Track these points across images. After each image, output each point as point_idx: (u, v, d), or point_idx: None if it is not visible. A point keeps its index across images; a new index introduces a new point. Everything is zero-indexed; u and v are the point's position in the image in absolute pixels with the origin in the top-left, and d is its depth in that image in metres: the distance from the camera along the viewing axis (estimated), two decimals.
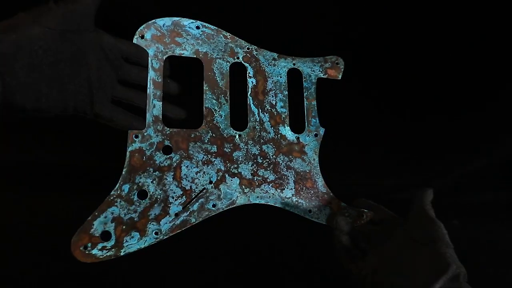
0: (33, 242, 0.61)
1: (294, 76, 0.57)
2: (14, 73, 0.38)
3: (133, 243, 0.46)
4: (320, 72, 0.58)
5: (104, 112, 0.44)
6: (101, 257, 0.44)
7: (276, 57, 0.56)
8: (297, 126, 0.56)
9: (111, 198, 0.46)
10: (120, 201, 0.46)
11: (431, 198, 0.51)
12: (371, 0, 0.63)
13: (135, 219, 0.46)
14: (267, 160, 0.53)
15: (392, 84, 0.70)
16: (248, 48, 0.55)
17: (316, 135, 0.57)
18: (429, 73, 0.70)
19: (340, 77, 0.58)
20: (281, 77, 0.56)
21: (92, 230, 0.44)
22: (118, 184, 0.46)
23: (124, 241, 0.45)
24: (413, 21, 0.66)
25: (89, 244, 0.44)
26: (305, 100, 0.57)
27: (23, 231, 0.62)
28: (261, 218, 0.59)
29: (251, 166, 0.53)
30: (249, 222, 0.62)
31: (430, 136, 0.75)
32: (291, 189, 0.54)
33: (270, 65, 0.56)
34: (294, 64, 0.57)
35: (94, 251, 0.44)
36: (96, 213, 0.45)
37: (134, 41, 0.49)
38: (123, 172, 0.46)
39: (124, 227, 0.45)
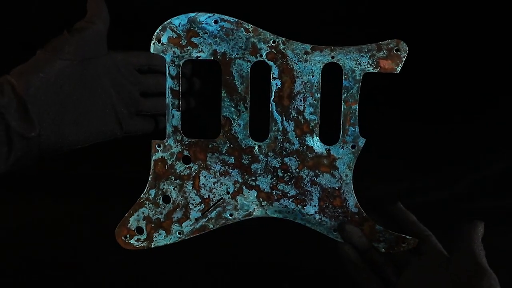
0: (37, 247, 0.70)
1: (332, 73, 0.47)
2: (48, 113, 0.39)
3: (161, 239, 0.52)
4: (369, 65, 0.45)
5: (131, 129, 0.47)
6: (137, 246, 0.53)
7: (309, 49, 0.47)
8: (330, 136, 0.48)
9: (142, 200, 0.52)
10: (149, 204, 0.52)
11: (482, 234, 0.39)
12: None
13: (161, 220, 0.52)
14: (289, 174, 0.49)
15: (406, 86, 0.63)
16: (274, 42, 0.47)
17: (353, 147, 0.48)
18: (445, 76, 0.66)
19: (398, 69, 0.45)
20: (313, 75, 0.47)
21: (129, 225, 0.53)
22: (146, 188, 0.52)
23: (154, 237, 0.53)
24: (426, 24, 0.62)
25: (128, 235, 0.53)
26: (343, 103, 0.47)
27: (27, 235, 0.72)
28: (274, 229, 0.57)
29: (270, 179, 0.50)
30: (260, 233, 0.61)
31: (445, 140, 0.71)
32: (314, 206, 0.49)
33: (301, 61, 0.47)
34: (332, 57, 0.46)
35: (132, 241, 0.53)
36: (131, 211, 0.53)
37: (152, 47, 0.48)
38: (150, 179, 0.51)
39: (153, 225, 0.52)
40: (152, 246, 0.52)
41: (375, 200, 0.51)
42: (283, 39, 0.47)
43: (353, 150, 0.47)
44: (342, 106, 0.47)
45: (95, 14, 0.41)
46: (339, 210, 0.48)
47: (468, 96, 0.68)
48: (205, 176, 0.50)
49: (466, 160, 0.74)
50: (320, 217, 0.49)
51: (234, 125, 0.49)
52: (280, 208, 0.49)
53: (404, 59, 0.45)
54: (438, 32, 0.63)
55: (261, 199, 0.50)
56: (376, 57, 0.45)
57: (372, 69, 0.45)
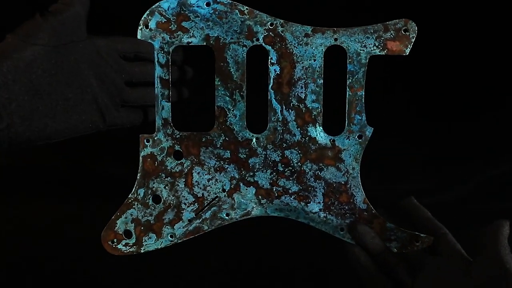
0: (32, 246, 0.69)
1: (335, 56, 0.43)
2: (18, 104, 0.36)
3: (151, 243, 0.48)
4: (375, 48, 0.42)
5: (117, 121, 0.44)
6: (125, 251, 0.48)
7: (309, 32, 0.43)
8: (334, 125, 0.44)
9: (130, 200, 0.47)
10: (137, 204, 0.47)
11: (507, 234, 0.35)
12: None
13: (151, 222, 0.48)
14: (290, 168, 0.45)
15: (414, 84, 0.62)
16: (271, 25, 0.43)
17: (360, 137, 0.44)
18: (454, 74, 0.64)
19: (407, 51, 0.41)
20: (315, 59, 0.43)
21: (116, 228, 0.48)
22: (134, 187, 0.47)
23: (143, 241, 0.48)
24: (434, 22, 0.58)
25: (115, 240, 0.48)
26: (348, 90, 0.43)
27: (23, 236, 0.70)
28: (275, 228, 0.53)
29: (270, 174, 0.45)
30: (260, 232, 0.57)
31: (452, 140, 0.69)
32: (319, 203, 0.45)
33: (301, 44, 0.43)
34: (335, 40, 0.42)
35: (120, 246, 0.48)
36: (118, 213, 0.48)
37: (139, 32, 0.45)
38: (138, 177, 0.47)
39: (142, 228, 0.48)
40: (142, 251, 0.47)
41: (379, 200, 0.47)
42: (282, 21, 0.43)
43: (360, 140, 0.43)
44: (347, 92, 0.43)
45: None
46: (346, 207, 0.44)
47: (476, 95, 0.66)
48: (198, 173, 0.46)
49: (473, 160, 0.71)
50: (325, 215, 0.45)
51: (229, 115, 0.45)
52: (281, 206, 0.45)
53: (413, 40, 0.41)
54: (452, 24, 0.60)
55: (260, 197, 0.45)
56: (383, 38, 0.41)
57: (379, 52, 0.42)
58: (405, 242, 0.43)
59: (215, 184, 0.46)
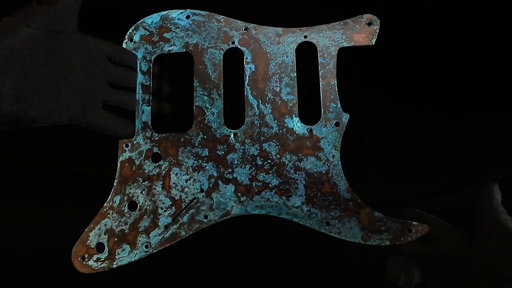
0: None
1: (307, 52, 0.45)
2: (8, 83, 0.36)
3: (124, 256, 0.44)
4: (342, 41, 0.44)
5: (96, 120, 0.44)
6: (96, 268, 0.44)
7: (281, 32, 0.46)
8: (311, 115, 0.44)
9: (104, 209, 0.45)
10: (112, 213, 0.45)
11: (500, 196, 0.33)
12: None
13: (126, 231, 0.44)
14: (269, 161, 0.44)
15: (419, 80, 0.60)
16: (245, 29, 0.47)
17: (337, 124, 0.43)
18: (460, 72, 0.61)
19: (373, 41, 0.43)
20: (287, 56, 0.45)
21: (88, 241, 0.45)
22: (110, 195, 0.45)
23: (116, 254, 0.44)
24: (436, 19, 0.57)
25: (86, 255, 0.44)
26: (321, 80, 0.44)
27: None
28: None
29: (249, 169, 0.44)
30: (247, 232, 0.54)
31: (462, 139, 0.65)
32: (301, 195, 0.43)
33: (273, 43, 0.46)
34: (305, 37, 0.45)
35: (90, 262, 0.44)
36: (92, 225, 0.45)
37: (124, 45, 0.48)
38: (115, 183, 0.45)
39: (116, 239, 0.44)
40: (114, 266, 0.44)
41: (383, 202, 0.45)
42: (255, 25, 0.46)
43: (337, 127, 0.43)
44: (320, 83, 0.44)
45: None
46: (330, 198, 0.42)
47: (487, 94, 0.65)
48: (176, 174, 0.45)
49: (484, 160, 0.68)
50: (308, 208, 0.42)
51: (207, 114, 0.46)
52: (261, 202, 0.43)
53: (377, 31, 0.44)
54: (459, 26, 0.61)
55: (239, 194, 0.44)
56: (349, 32, 0.44)
57: (347, 44, 0.44)
58: (397, 232, 0.40)
59: (193, 185, 0.44)
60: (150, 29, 0.48)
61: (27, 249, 0.64)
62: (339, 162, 0.42)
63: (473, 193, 0.36)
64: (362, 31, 0.44)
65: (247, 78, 0.45)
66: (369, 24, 0.44)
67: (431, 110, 0.65)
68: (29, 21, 0.38)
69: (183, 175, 0.45)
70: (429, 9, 0.55)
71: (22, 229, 0.64)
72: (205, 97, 0.46)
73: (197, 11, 0.48)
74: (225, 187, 0.44)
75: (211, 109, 0.45)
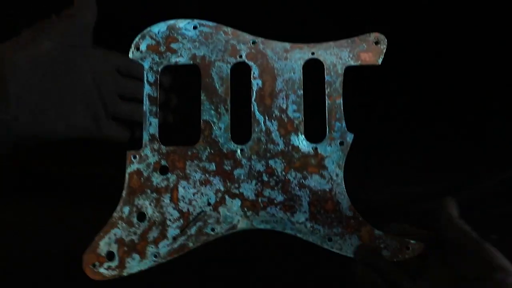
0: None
1: (314, 69, 0.45)
2: (28, 95, 0.36)
3: (134, 265, 0.46)
4: (350, 59, 0.44)
5: (108, 132, 0.44)
6: (107, 275, 0.46)
7: (288, 47, 0.46)
8: (316, 133, 0.45)
9: (114, 219, 0.47)
10: (122, 223, 0.46)
11: (456, 208, 0.38)
12: None
13: (135, 241, 0.46)
14: (275, 177, 0.45)
15: (416, 84, 0.60)
16: (253, 43, 0.46)
17: (341, 143, 0.44)
18: (454, 74, 0.62)
19: (380, 61, 0.43)
20: (294, 72, 0.46)
21: (99, 250, 0.46)
22: (119, 205, 0.47)
23: (126, 262, 0.46)
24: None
25: (97, 263, 0.46)
26: (327, 99, 0.45)
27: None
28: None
29: (255, 185, 0.45)
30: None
31: (458, 141, 0.66)
32: (305, 212, 0.44)
33: (281, 59, 0.46)
34: (313, 54, 0.45)
35: (101, 270, 0.46)
36: (101, 234, 0.47)
37: (130, 54, 0.47)
38: (123, 194, 0.47)
39: (126, 248, 0.46)
40: (125, 274, 0.45)
41: (380, 203, 0.46)
42: (262, 39, 0.46)
43: (341, 147, 0.44)
44: (326, 101, 0.45)
45: (84, 4, 0.41)
46: (332, 215, 0.44)
47: (483, 96, 0.66)
48: (184, 187, 0.46)
49: (481, 163, 0.69)
50: (311, 224, 0.44)
51: (214, 128, 0.46)
52: (267, 217, 0.45)
53: (384, 51, 0.44)
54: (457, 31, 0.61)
55: (245, 209, 0.45)
56: (356, 50, 0.44)
57: (353, 62, 0.45)
58: (396, 250, 0.42)
59: (200, 198, 0.46)
60: (157, 39, 0.47)
61: (27, 249, 0.65)
62: (343, 181, 0.44)
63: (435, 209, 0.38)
64: (369, 50, 0.44)
65: (254, 93, 0.46)
66: (376, 43, 0.44)
67: (431, 114, 0.66)
68: (49, 34, 0.38)
69: (191, 188, 0.46)
70: (433, 23, 0.55)
71: (22, 229, 0.65)
72: (212, 111, 0.46)
73: (204, 22, 0.47)
74: (232, 202, 0.45)
75: (218, 123, 0.46)
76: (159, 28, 0.47)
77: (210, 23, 0.47)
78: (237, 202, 0.45)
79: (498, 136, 0.68)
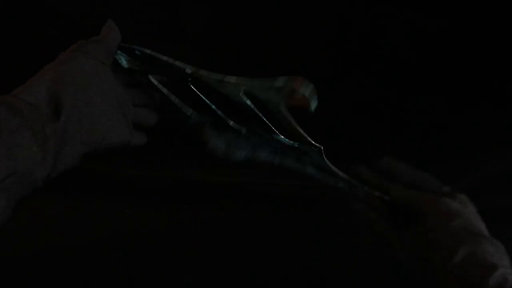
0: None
1: None
2: (75, 106, 0.37)
3: None
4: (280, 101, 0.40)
5: (137, 139, 0.45)
6: None
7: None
8: None
9: None
10: None
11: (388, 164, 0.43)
12: None
13: None
14: None
15: (412, 76, 0.61)
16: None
17: None
18: (448, 66, 0.62)
19: (312, 107, 0.38)
20: None
21: None
22: None
23: None
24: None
25: None
26: None
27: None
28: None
29: None
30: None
31: (448, 135, 0.67)
32: None
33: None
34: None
35: None
36: None
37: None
38: None
39: None
40: None
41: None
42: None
43: None
44: None
45: (110, 31, 0.43)
46: None
47: (475, 88, 0.65)
48: None
49: (470, 155, 0.69)
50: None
51: None
52: None
53: (312, 96, 0.38)
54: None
55: None
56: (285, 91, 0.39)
57: (284, 105, 0.39)
58: None
59: None
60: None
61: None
62: None
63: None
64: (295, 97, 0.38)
65: None
66: (299, 92, 0.38)
67: (420, 107, 0.65)
68: (93, 54, 0.40)
69: None
70: None
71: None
72: None
73: None
74: None
75: None
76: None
77: None
78: None
79: (490, 130, 0.67)
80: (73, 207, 0.70)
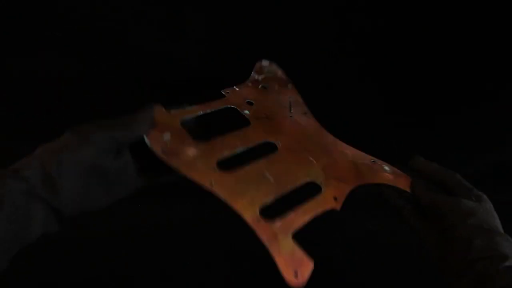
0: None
1: None
2: (70, 188, 0.38)
3: None
4: None
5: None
6: None
7: None
8: None
9: None
10: None
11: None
12: None
13: None
14: None
15: (399, 79, 0.62)
16: None
17: None
18: (436, 67, 0.64)
19: None
20: None
21: None
22: None
23: None
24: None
25: None
26: None
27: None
28: None
29: None
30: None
31: (434, 134, 0.68)
32: None
33: None
34: None
35: None
36: None
37: None
38: None
39: None
40: None
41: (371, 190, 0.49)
42: None
43: None
44: None
45: (144, 121, 0.41)
46: None
47: (462, 87, 0.66)
48: None
49: (455, 153, 0.70)
50: None
51: None
52: None
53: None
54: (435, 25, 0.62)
55: None
56: None
57: None
58: None
59: None
60: None
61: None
62: None
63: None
64: None
65: None
66: None
67: (410, 107, 0.66)
68: (93, 143, 0.39)
69: None
70: None
71: None
72: None
73: None
74: None
75: None
76: None
77: None
78: None
79: (475, 128, 0.68)
80: None
